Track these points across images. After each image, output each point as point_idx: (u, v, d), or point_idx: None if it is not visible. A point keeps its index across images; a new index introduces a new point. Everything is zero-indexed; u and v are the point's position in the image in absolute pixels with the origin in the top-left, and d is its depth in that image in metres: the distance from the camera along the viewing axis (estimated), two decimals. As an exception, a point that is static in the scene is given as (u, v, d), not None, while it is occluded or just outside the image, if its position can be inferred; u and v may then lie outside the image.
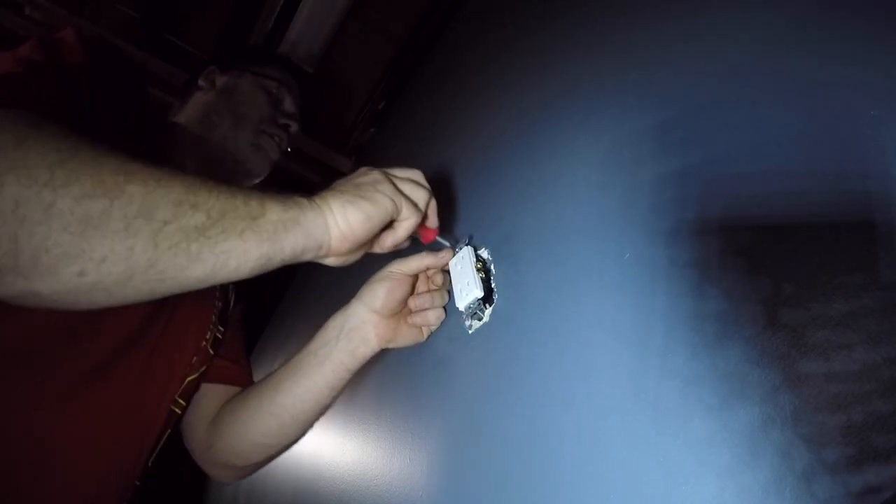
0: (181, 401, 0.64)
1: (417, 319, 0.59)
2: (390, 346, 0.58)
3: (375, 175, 0.47)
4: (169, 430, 0.64)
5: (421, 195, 0.49)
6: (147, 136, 0.64)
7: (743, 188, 0.32)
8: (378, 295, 0.56)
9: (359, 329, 0.57)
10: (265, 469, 0.70)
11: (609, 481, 0.33)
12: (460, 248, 0.57)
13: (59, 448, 0.50)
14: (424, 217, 0.51)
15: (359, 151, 1.63)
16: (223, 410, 0.66)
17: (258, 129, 0.77)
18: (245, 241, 0.36)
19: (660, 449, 0.31)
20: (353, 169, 0.66)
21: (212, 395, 0.68)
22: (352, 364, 0.57)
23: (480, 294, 0.52)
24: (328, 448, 0.90)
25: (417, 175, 0.51)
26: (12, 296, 0.33)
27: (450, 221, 0.60)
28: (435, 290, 0.59)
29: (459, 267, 0.55)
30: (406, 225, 0.47)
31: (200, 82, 0.80)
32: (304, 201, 0.41)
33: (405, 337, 0.59)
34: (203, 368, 0.66)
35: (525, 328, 0.48)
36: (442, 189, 0.56)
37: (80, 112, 0.48)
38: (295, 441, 0.64)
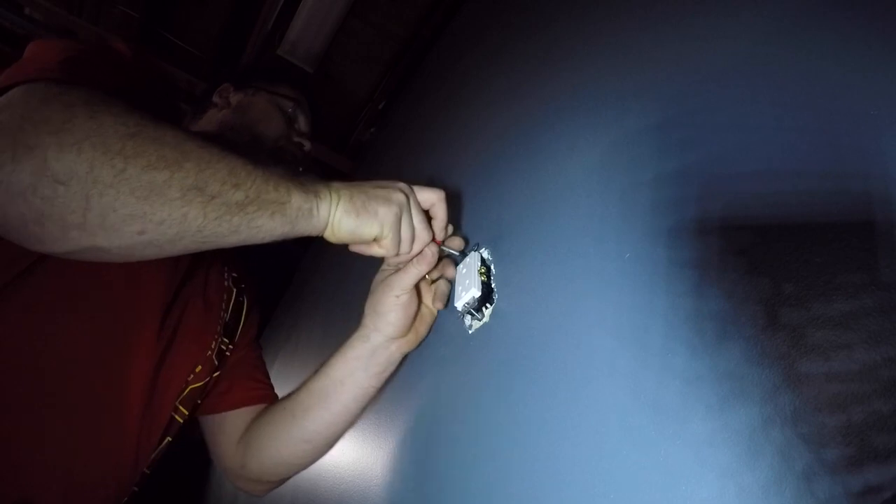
0: (182, 408, 0.64)
1: (438, 305, 0.60)
2: (413, 348, 0.61)
3: (394, 195, 0.49)
4: (168, 438, 0.63)
5: (414, 238, 0.51)
6: None
7: (743, 188, 0.32)
8: (393, 324, 0.57)
9: (383, 352, 0.59)
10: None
11: (609, 481, 0.33)
12: (469, 254, 0.58)
13: (50, 443, 0.49)
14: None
15: (359, 151, 1.63)
16: (251, 432, 0.69)
17: (274, 147, 0.77)
18: (273, 220, 0.42)
19: (660, 449, 0.31)
20: (352, 169, 0.66)
21: (238, 418, 0.70)
22: (379, 383, 0.61)
23: (478, 294, 0.52)
24: (328, 448, 0.90)
25: (437, 198, 0.53)
26: (74, 250, 0.37)
27: (450, 221, 0.60)
28: (437, 278, 0.60)
29: (465, 270, 0.56)
30: (379, 251, 0.51)
31: (215, 99, 0.80)
32: (321, 190, 0.46)
33: (422, 335, 0.61)
34: (208, 379, 0.66)
35: (525, 328, 0.48)
36: (442, 188, 0.56)
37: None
38: (325, 454, 0.68)
